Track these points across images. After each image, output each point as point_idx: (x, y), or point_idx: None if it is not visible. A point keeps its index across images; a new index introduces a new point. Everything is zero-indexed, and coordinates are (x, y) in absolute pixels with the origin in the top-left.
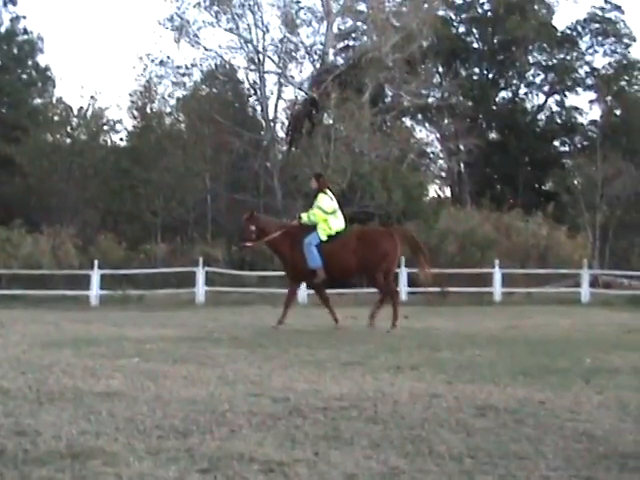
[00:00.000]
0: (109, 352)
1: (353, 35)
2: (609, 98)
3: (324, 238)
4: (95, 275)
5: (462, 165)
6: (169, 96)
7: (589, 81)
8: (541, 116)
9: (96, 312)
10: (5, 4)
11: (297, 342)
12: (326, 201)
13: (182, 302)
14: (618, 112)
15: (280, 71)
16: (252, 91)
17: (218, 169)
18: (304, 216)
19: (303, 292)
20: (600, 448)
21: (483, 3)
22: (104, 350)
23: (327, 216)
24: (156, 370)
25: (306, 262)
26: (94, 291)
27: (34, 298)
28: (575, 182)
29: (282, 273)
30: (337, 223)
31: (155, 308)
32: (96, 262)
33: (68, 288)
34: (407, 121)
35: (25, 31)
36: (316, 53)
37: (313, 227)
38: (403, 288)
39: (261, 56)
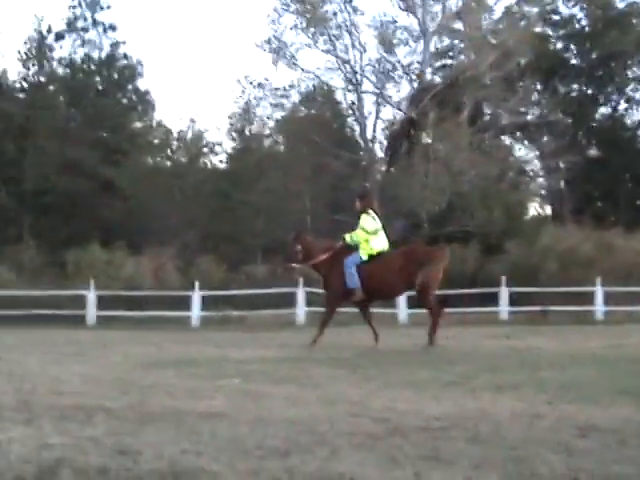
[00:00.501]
0: (210, 373)
1: (450, 54)
2: None
3: (365, 258)
4: (196, 296)
5: (562, 183)
6: (268, 118)
7: None
8: None
9: (197, 333)
10: (105, 30)
11: (397, 362)
12: (368, 221)
13: (282, 323)
14: None
15: (378, 91)
16: (350, 111)
17: (317, 190)
18: (347, 237)
19: (404, 312)
20: None
21: (581, 19)
22: (205, 371)
23: (369, 236)
24: (257, 391)
25: (344, 282)
26: (195, 312)
27: (135, 319)
28: None
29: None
30: (379, 243)
31: (255, 329)
32: (197, 283)
33: (169, 309)
34: (506, 139)
35: (125, 56)
36: (413, 72)
37: (356, 247)
38: (504, 307)
39: (359, 76)
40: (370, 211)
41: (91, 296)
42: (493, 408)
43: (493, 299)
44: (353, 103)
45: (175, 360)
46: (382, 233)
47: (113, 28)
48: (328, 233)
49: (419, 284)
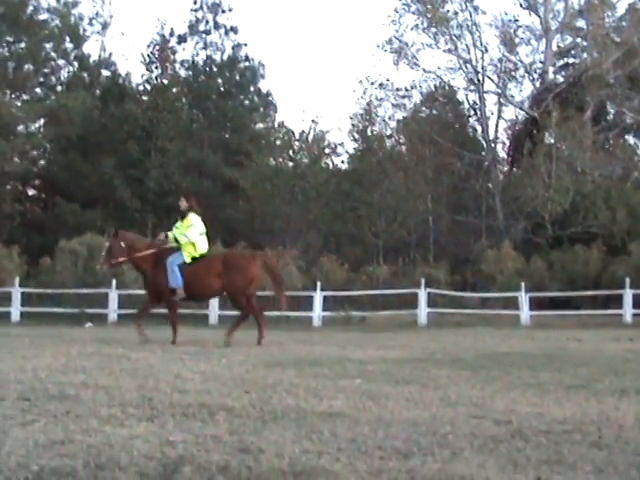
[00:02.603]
0: (331, 373)
1: (573, 52)
2: None
3: (188, 260)
4: (318, 296)
5: None
6: (389, 118)
7: None
8: None
9: (319, 333)
10: (227, 33)
11: (520, 364)
12: (198, 221)
13: (404, 323)
14: None
15: (500, 91)
16: (472, 111)
17: (439, 190)
18: (172, 235)
19: (526, 313)
20: None
21: None
22: (327, 371)
23: (199, 238)
24: (378, 391)
25: (167, 281)
26: (317, 312)
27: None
28: None
29: (505, 294)
30: (204, 246)
31: (377, 329)
32: (319, 283)
33: (291, 309)
34: (630, 138)
35: (246, 58)
36: (535, 72)
37: (178, 247)
38: (628, 310)
39: (480, 76)
40: (196, 211)
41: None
42: (617, 412)
43: (617, 301)
44: (475, 103)
45: (297, 359)
46: (205, 236)
47: (234, 30)
48: (449, 233)
49: (229, 287)
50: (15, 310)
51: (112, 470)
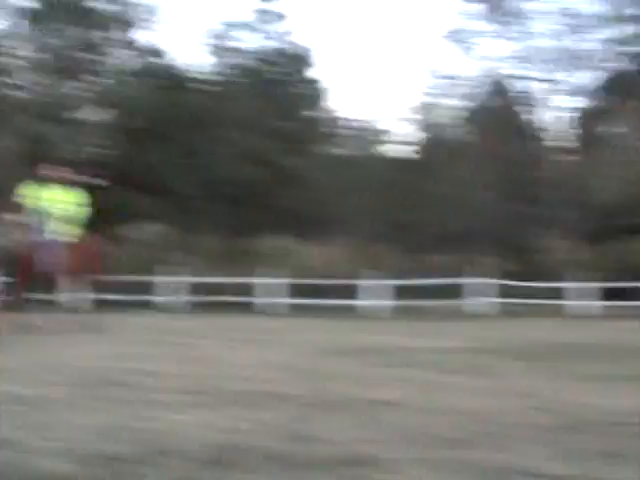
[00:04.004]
0: (386, 361)
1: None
2: None
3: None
4: (372, 285)
5: None
6: (450, 108)
7: None
8: None
9: (371, 322)
10: (277, 19)
11: (573, 354)
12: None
13: (459, 312)
14: None
15: (564, 79)
16: (537, 100)
17: (497, 179)
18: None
19: (580, 304)
20: None
21: None
22: (381, 359)
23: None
24: (431, 380)
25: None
26: (370, 301)
27: (317, 307)
28: None
29: (560, 284)
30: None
31: (433, 318)
32: (373, 272)
33: (344, 298)
34: None
35: (297, 45)
36: (598, 60)
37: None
38: None
39: (545, 64)
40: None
41: (277, 284)
42: None
43: None
44: (539, 91)
45: (350, 348)
46: None
47: (284, 17)
48: (506, 222)
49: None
50: None
51: (163, 456)
